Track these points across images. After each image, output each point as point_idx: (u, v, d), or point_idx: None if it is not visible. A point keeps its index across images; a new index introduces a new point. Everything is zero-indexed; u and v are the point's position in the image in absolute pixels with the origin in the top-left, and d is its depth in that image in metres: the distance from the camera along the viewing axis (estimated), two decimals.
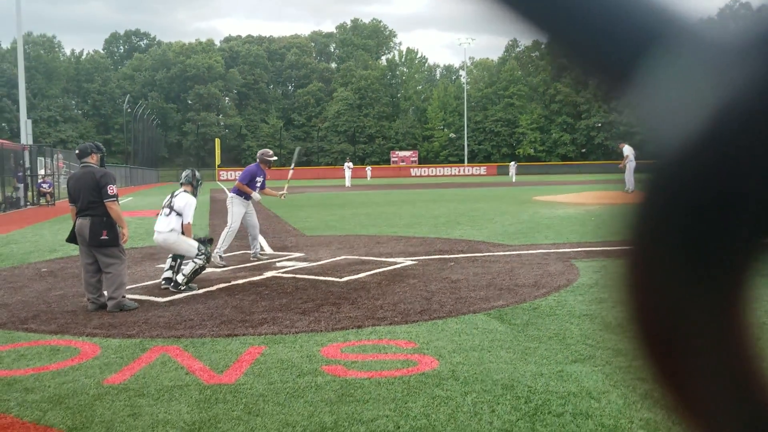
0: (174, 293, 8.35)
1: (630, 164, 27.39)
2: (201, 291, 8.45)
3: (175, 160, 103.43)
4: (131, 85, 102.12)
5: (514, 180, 56.93)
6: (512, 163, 62.06)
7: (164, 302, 7.89)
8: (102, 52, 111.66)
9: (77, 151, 7.96)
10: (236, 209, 11.33)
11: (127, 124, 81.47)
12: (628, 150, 27.59)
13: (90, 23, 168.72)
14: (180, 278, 8.45)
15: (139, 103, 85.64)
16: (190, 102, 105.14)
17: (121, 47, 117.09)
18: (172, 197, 8.83)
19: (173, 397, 4.65)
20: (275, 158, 12.12)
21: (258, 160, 11.81)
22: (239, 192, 11.42)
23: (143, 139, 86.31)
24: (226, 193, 11.72)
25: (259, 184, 11.60)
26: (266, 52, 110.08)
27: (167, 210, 8.68)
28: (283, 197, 12.75)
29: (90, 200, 7.57)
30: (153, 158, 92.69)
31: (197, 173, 9.17)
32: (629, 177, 27.42)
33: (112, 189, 7.62)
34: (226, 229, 11.18)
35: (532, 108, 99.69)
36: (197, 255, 8.60)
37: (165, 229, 8.57)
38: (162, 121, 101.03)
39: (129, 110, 79.37)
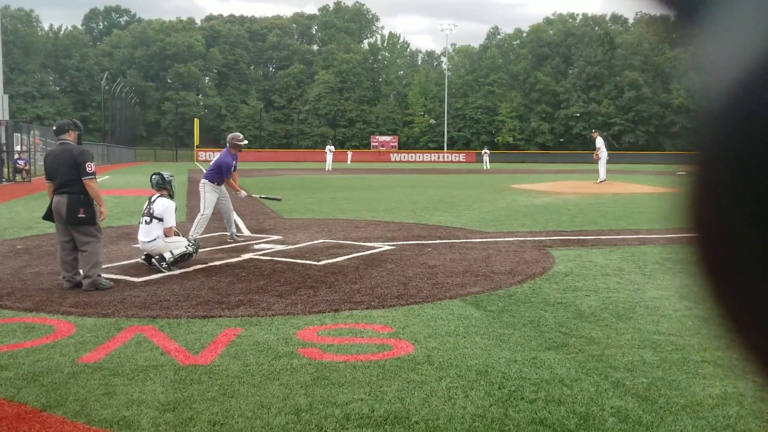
0: (150, 273, 8.32)
1: (602, 155, 27.76)
2: (177, 272, 8.42)
3: (153, 139, 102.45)
4: (110, 62, 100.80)
5: (488, 167, 57.17)
6: (485, 150, 62.20)
7: (140, 282, 7.86)
8: (81, 28, 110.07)
9: (54, 128, 7.87)
10: (209, 195, 11.26)
11: (105, 101, 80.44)
12: (600, 142, 27.97)
13: None
14: (168, 255, 8.44)
15: (117, 80, 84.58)
16: (169, 81, 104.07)
17: (101, 23, 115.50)
18: (150, 204, 8.79)
19: (148, 377, 4.65)
20: (245, 142, 11.90)
21: (228, 145, 11.65)
22: (212, 178, 11.33)
23: (121, 117, 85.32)
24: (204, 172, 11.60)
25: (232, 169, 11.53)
26: (247, 32, 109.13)
27: (147, 218, 8.64)
28: (239, 194, 11.90)
29: (68, 177, 7.50)
30: (131, 137, 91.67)
31: (165, 174, 9.10)
32: (602, 168, 27.80)
33: (90, 166, 7.56)
34: (199, 216, 11.12)
35: (512, 96, 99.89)
36: (188, 244, 8.70)
37: (149, 238, 8.56)
38: (140, 100, 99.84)
39: (107, 88, 78.35)
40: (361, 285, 7.73)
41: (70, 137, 7.80)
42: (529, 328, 5.92)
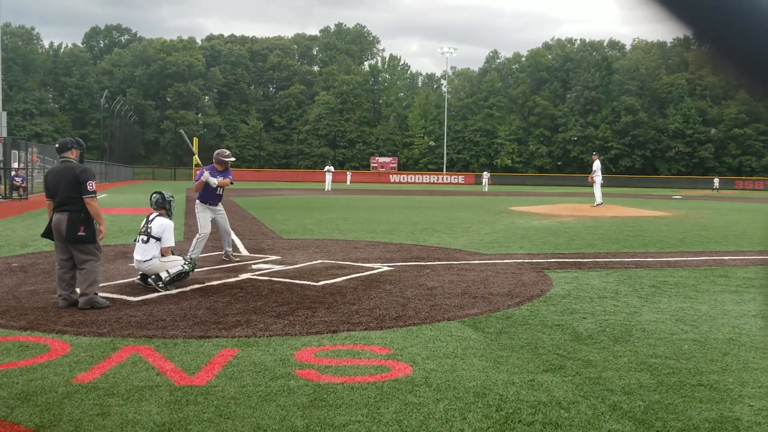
0: (147, 292, 8.29)
1: (597, 179, 27.85)
2: (174, 291, 8.39)
3: (152, 158, 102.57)
4: (110, 81, 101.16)
5: (486, 189, 57.35)
6: (485, 173, 62.45)
7: (136, 301, 7.83)
8: (81, 46, 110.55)
9: (57, 146, 7.87)
10: (201, 215, 11.27)
11: (104, 119, 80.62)
12: (597, 165, 28.06)
13: (70, 16, 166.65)
14: (164, 275, 8.40)
15: (117, 98, 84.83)
16: (169, 99, 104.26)
17: (101, 42, 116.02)
18: (147, 223, 8.75)
19: (143, 397, 4.62)
20: (233, 159, 11.82)
21: (213, 161, 11.65)
22: (203, 199, 11.34)
23: (120, 135, 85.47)
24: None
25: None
26: (248, 52, 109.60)
27: (144, 237, 8.59)
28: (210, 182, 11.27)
29: (68, 195, 7.50)
30: (129, 155, 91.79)
31: (166, 195, 9.06)
32: (597, 191, 27.87)
33: (91, 185, 7.56)
34: (197, 235, 11.12)
35: (511, 119, 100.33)
36: (184, 263, 8.66)
37: (145, 257, 8.49)
38: (140, 118, 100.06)
39: (106, 106, 78.56)
40: (360, 306, 7.71)
41: (73, 155, 7.81)
42: (527, 350, 5.90)
